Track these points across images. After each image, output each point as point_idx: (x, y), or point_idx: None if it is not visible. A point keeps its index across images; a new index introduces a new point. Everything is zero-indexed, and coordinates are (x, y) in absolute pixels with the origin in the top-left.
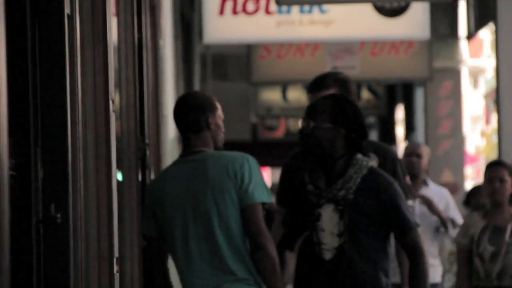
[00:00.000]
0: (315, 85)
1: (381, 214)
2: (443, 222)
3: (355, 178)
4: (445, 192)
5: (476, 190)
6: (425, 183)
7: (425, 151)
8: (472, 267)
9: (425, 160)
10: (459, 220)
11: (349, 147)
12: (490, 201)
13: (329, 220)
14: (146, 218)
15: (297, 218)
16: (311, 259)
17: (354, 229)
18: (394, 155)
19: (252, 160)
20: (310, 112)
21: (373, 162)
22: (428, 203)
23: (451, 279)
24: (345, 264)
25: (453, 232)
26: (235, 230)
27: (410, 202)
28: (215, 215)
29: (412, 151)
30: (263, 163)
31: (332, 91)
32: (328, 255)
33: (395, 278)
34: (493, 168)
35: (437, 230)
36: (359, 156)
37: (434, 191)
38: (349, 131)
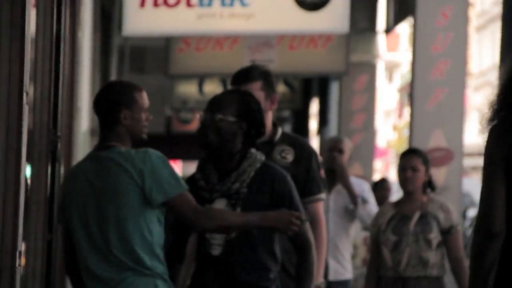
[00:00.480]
0: (241, 77)
1: (274, 206)
2: (353, 197)
3: (249, 171)
4: (364, 184)
5: (379, 183)
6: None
7: (347, 146)
8: (380, 258)
9: (346, 155)
10: (374, 207)
11: (245, 142)
12: (402, 190)
13: None
14: (59, 209)
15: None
16: (201, 256)
17: None
18: (310, 149)
19: (154, 155)
20: (216, 104)
21: (289, 155)
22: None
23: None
24: (233, 258)
25: (362, 209)
26: (130, 229)
27: (322, 196)
28: (111, 216)
29: (334, 146)
30: (176, 156)
31: (257, 83)
32: (217, 251)
33: None
34: (407, 157)
35: (350, 215)
36: (253, 150)
37: (354, 184)
38: (250, 127)
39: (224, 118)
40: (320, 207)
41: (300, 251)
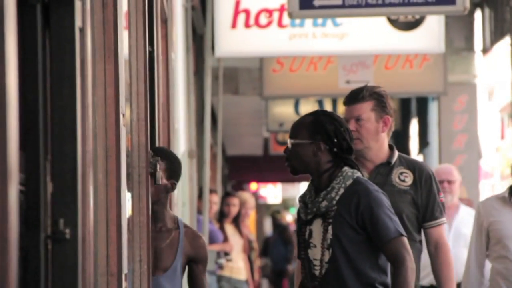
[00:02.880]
0: (350, 98)
1: (361, 223)
2: None
3: (338, 188)
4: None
5: None
6: (457, 207)
7: (457, 175)
8: None
9: (457, 185)
10: None
11: (334, 161)
12: None
13: (318, 235)
14: None
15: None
16: (305, 277)
17: (340, 241)
18: (429, 172)
19: None
20: (291, 131)
21: (408, 178)
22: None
23: None
24: (333, 278)
25: None
26: None
27: (444, 219)
28: None
29: (443, 178)
30: (274, 178)
31: (368, 104)
32: (318, 271)
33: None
34: None
35: None
36: (346, 168)
37: (466, 213)
38: (331, 145)
39: (298, 142)
40: (443, 230)
41: (393, 266)
